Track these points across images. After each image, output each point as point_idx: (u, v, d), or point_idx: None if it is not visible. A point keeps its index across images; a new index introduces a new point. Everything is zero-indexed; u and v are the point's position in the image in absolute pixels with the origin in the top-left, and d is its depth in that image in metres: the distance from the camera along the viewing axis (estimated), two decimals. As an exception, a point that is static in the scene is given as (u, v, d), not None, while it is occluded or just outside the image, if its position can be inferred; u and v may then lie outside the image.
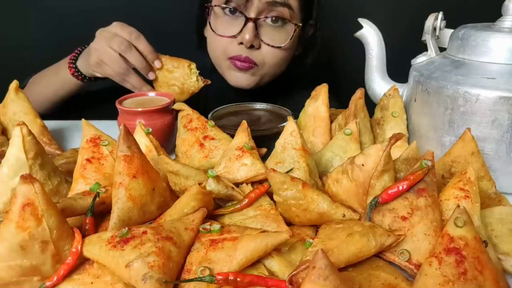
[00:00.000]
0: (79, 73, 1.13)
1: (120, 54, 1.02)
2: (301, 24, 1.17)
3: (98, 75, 1.09)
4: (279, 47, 1.16)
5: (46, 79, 1.21)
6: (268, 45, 1.15)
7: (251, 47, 1.14)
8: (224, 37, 1.15)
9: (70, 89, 1.18)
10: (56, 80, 1.18)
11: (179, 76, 1.06)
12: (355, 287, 0.54)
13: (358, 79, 1.04)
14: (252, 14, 1.11)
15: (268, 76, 1.23)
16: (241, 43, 1.13)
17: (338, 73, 1.76)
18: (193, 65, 1.07)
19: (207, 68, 1.32)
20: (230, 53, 1.16)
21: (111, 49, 1.02)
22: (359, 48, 1.00)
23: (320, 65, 1.38)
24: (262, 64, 1.18)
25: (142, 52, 1.04)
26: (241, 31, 1.12)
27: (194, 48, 1.35)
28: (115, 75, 1.06)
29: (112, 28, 1.05)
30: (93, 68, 1.08)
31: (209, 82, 1.08)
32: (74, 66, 1.13)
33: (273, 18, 1.13)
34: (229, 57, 1.16)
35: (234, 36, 1.14)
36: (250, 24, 1.11)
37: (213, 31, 1.17)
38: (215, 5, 1.16)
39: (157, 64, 1.05)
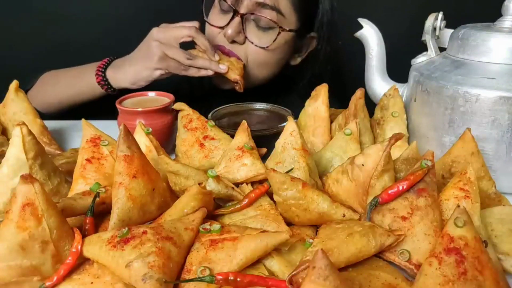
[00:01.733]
0: (106, 81, 1.12)
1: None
2: (289, 29, 1.15)
3: (157, 73, 1.08)
4: (263, 48, 1.15)
5: (67, 82, 1.20)
6: (252, 43, 1.14)
7: (234, 42, 1.14)
8: (212, 26, 1.17)
9: (89, 97, 1.18)
10: (77, 85, 1.17)
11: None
12: (355, 287, 0.54)
13: (358, 79, 1.04)
14: (242, 10, 1.11)
15: (252, 78, 1.22)
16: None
17: (338, 73, 1.76)
18: None
19: None
20: (216, 43, 1.17)
21: (174, 39, 1.05)
22: (359, 49, 1.00)
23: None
24: (244, 60, 1.17)
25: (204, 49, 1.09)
26: (227, 24, 1.13)
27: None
28: (179, 66, 1.06)
29: (165, 26, 1.08)
30: (156, 65, 1.06)
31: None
32: (102, 75, 1.12)
33: (261, 20, 1.12)
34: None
35: (221, 28, 1.15)
36: (237, 19, 1.11)
37: (205, 19, 1.19)
38: None
39: (217, 57, 1.10)
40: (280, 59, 1.23)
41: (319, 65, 1.31)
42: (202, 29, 1.29)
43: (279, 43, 1.16)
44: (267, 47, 1.15)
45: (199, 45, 1.09)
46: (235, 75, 1.10)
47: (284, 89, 1.34)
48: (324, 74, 1.31)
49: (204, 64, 1.07)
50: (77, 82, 1.17)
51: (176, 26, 1.07)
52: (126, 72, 1.10)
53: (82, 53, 1.23)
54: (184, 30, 1.05)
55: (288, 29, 1.15)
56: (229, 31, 1.11)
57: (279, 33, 1.13)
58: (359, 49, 1.00)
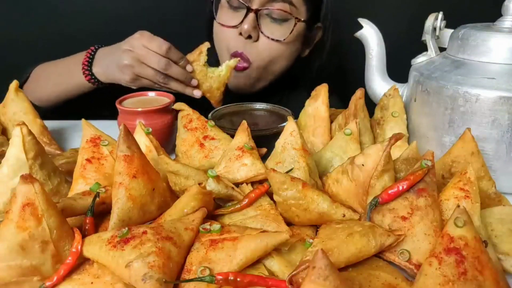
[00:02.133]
0: (95, 79, 1.10)
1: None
2: (303, 19, 1.17)
3: (133, 87, 1.07)
4: (278, 41, 1.15)
5: (56, 79, 1.17)
6: (268, 37, 1.14)
7: (249, 37, 1.14)
8: (225, 26, 1.16)
9: (81, 91, 1.16)
10: (67, 82, 1.15)
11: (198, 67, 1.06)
12: (355, 287, 0.54)
13: (358, 78, 1.04)
14: (254, 6, 1.11)
15: (265, 76, 1.22)
16: (241, 34, 1.14)
17: (338, 73, 1.76)
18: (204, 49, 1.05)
19: (213, 65, 1.33)
20: (232, 48, 1.17)
21: (148, 67, 1.00)
22: (359, 48, 1.00)
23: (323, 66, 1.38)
24: (256, 60, 1.17)
25: (176, 62, 1.02)
26: (242, 22, 1.13)
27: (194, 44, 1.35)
28: (153, 85, 1.05)
29: (138, 41, 1.01)
30: (129, 83, 1.05)
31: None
32: (90, 73, 1.10)
33: (274, 13, 1.13)
34: (231, 53, 1.17)
35: (235, 27, 1.15)
36: (251, 15, 1.11)
37: (216, 21, 1.18)
38: None
39: (189, 68, 1.04)
40: (293, 51, 1.24)
41: (325, 55, 1.32)
42: (201, 31, 1.29)
43: (293, 35, 1.17)
44: (284, 39, 1.15)
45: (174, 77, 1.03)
46: (213, 101, 1.07)
47: (292, 84, 1.35)
48: (330, 66, 1.31)
49: (178, 90, 1.04)
50: (66, 79, 1.15)
51: (149, 53, 0.99)
52: (109, 76, 1.09)
53: (82, 49, 1.22)
54: (155, 60, 0.99)
55: (302, 19, 1.16)
56: (246, 26, 1.11)
57: (295, 24, 1.15)
58: (360, 48, 1.00)
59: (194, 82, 1.05)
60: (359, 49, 1.00)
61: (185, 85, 1.04)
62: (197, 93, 1.05)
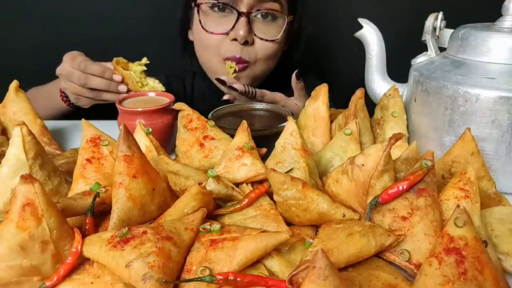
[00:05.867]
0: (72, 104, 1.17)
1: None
2: (292, 17, 1.16)
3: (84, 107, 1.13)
4: (272, 41, 1.15)
5: (41, 103, 1.21)
6: (262, 39, 1.13)
7: (245, 43, 1.12)
8: (215, 34, 1.13)
9: (65, 112, 1.22)
10: (52, 106, 1.21)
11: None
12: (355, 287, 0.54)
13: (358, 79, 1.04)
14: (243, 9, 1.09)
15: (259, 76, 1.22)
16: (234, 39, 1.11)
17: (338, 73, 1.76)
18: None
19: (190, 72, 1.32)
20: (225, 53, 1.14)
21: (75, 84, 1.07)
22: (359, 48, 1.00)
23: (321, 66, 1.38)
24: (254, 61, 1.16)
25: (98, 75, 1.05)
26: (233, 27, 1.10)
27: (172, 52, 1.36)
28: (95, 100, 1.11)
29: (64, 65, 1.08)
30: (75, 102, 1.13)
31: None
32: (67, 99, 1.17)
33: (264, 13, 1.11)
34: (224, 58, 1.15)
35: (226, 33, 1.12)
36: (243, 19, 1.09)
37: (204, 29, 1.14)
38: (204, 2, 1.13)
39: (116, 78, 1.06)
40: (281, 48, 1.24)
41: (303, 46, 1.32)
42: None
43: (284, 32, 1.16)
44: (277, 39, 1.14)
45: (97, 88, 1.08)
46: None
47: (277, 81, 1.34)
48: (310, 56, 1.32)
49: (112, 99, 1.08)
50: (49, 103, 1.21)
51: (71, 71, 1.07)
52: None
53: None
54: (75, 76, 1.06)
55: (292, 17, 1.16)
56: (241, 32, 1.09)
57: (287, 22, 1.14)
58: (359, 49, 1.00)
59: (121, 87, 1.07)
60: (359, 49, 1.00)
61: (116, 94, 1.07)
62: (121, 88, 1.06)
